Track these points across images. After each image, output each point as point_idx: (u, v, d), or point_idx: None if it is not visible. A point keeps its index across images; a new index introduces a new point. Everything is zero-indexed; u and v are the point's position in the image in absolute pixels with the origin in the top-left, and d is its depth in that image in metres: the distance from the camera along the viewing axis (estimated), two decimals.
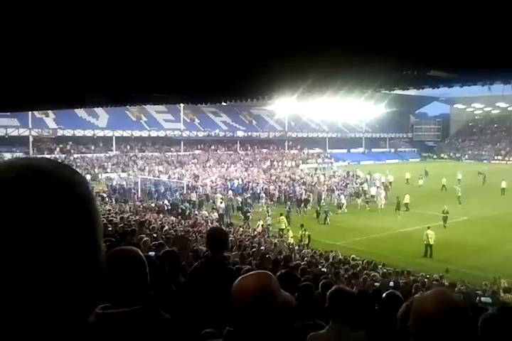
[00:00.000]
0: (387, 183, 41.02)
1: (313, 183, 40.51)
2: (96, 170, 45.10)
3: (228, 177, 42.35)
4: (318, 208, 29.83)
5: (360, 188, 37.79)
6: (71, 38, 5.24)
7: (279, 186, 38.02)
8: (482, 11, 3.95)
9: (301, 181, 41.48)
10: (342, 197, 33.05)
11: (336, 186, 38.15)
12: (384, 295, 3.88)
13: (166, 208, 28.71)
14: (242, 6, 4.06)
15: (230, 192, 35.23)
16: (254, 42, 5.26)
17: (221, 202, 29.86)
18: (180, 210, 28.20)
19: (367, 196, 34.93)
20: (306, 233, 22.80)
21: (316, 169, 53.62)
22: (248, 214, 27.92)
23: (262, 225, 25.08)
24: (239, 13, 4.23)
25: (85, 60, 6.09)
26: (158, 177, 41.24)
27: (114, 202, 29.64)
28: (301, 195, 34.15)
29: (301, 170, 53.83)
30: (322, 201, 33.65)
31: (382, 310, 3.83)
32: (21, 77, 7.53)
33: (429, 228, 21.71)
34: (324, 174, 47.28)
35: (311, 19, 4.27)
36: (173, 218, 23.19)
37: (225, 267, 3.74)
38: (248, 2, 3.92)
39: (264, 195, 34.37)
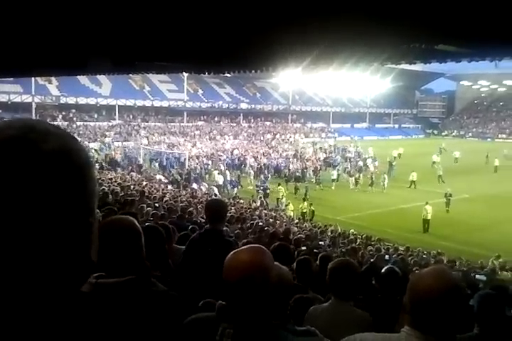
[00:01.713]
0: (392, 159, 40.23)
1: (305, 157, 40.51)
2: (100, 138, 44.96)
3: (223, 151, 42.20)
4: (298, 184, 29.51)
5: (361, 164, 37.66)
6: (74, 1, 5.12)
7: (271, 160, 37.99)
8: None
9: (298, 155, 41.42)
10: (334, 172, 32.80)
11: (321, 161, 38.32)
12: (383, 270, 3.87)
13: (168, 179, 28.75)
14: None
15: (222, 166, 34.73)
16: (260, 10, 5.13)
17: (218, 173, 30.24)
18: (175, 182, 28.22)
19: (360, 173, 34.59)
20: (311, 208, 22.81)
21: (313, 143, 53.42)
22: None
23: (261, 198, 25.24)
24: None
25: (88, 21, 5.96)
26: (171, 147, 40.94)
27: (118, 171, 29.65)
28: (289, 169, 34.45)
29: (303, 143, 53.71)
30: (308, 176, 33.51)
31: (381, 285, 3.83)
32: (22, 39, 7.40)
33: (427, 203, 21.95)
34: (320, 148, 47.26)
35: None
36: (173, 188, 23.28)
37: (223, 239, 3.73)
38: None
39: (251, 171, 33.92)
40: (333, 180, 31.49)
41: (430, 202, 22.48)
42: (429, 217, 21.49)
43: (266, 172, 32.39)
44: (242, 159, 38.08)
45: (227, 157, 38.81)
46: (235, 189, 27.79)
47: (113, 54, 7.59)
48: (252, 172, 32.65)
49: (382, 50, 6.57)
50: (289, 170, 34.32)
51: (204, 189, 27.00)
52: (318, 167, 35.90)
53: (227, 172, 31.69)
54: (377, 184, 30.22)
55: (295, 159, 39.17)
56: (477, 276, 6.65)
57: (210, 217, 3.81)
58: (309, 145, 51.59)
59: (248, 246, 1.92)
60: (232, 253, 1.86)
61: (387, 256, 8.37)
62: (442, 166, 35.67)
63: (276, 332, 1.74)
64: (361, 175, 33.10)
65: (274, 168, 36.20)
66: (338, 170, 34.74)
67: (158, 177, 28.46)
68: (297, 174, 32.66)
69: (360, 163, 37.62)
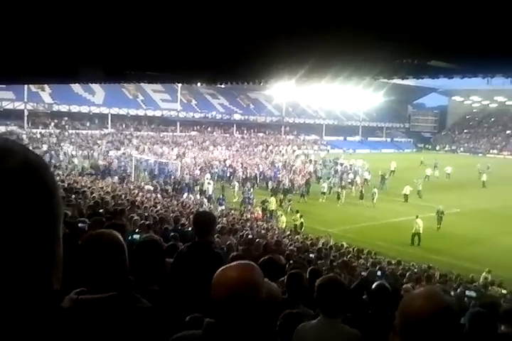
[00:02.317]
0: (385, 172, 40.14)
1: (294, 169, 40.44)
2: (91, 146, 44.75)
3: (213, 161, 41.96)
4: (282, 196, 29.44)
5: (351, 177, 37.67)
6: (66, 6, 5.09)
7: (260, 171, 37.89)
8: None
9: (288, 167, 41.36)
10: (324, 185, 32.66)
11: (310, 173, 38.32)
12: (373, 286, 3.83)
13: (158, 188, 28.63)
14: None
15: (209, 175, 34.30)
16: (254, 22, 5.12)
17: (209, 184, 30.30)
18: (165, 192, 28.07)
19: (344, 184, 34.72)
20: (301, 220, 22.78)
21: (305, 155, 53.60)
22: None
23: (263, 210, 25.15)
24: None
25: (80, 29, 5.92)
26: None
27: (109, 180, 29.50)
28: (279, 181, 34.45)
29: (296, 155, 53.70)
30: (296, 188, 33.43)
31: (371, 301, 3.78)
32: (13, 46, 7.35)
33: (417, 217, 22.03)
34: (310, 160, 47.24)
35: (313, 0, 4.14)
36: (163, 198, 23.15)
37: (212, 251, 3.67)
38: None
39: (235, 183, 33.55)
40: (322, 193, 31.38)
41: (421, 216, 22.54)
42: (420, 231, 21.54)
43: (248, 184, 32.10)
44: (231, 170, 37.95)
45: (216, 167, 38.73)
46: (223, 207, 26.68)
47: (105, 63, 7.56)
48: (237, 184, 32.21)
49: (374, 65, 6.59)
50: (279, 181, 34.19)
51: (193, 198, 26.88)
52: (305, 179, 35.52)
53: (211, 184, 31.29)
54: (367, 197, 30.06)
55: (284, 171, 39.05)
56: (467, 292, 6.60)
57: (198, 230, 3.75)
58: (301, 157, 51.64)
59: (237, 262, 1.87)
60: (220, 269, 1.82)
61: (379, 272, 8.30)
62: (433, 181, 35.88)
63: None
64: (352, 187, 33.25)
65: (262, 180, 36.26)
66: (331, 182, 34.67)
67: (147, 187, 28.27)
68: (285, 187, 32.48)
69: (351, 176, 37.60)
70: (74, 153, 40.65)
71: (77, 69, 8.16)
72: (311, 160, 47.94)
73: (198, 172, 35.69)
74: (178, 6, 4.76)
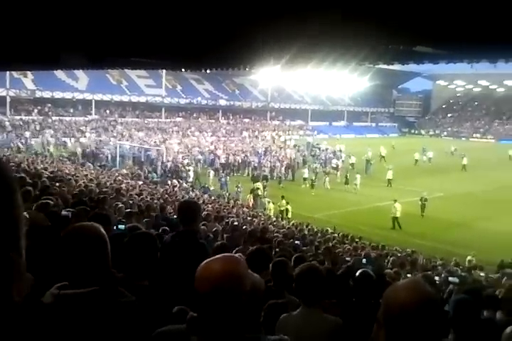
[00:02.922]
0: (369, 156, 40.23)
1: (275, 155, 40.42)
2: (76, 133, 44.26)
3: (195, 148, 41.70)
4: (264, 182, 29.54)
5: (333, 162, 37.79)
6: None
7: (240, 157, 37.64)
8: None
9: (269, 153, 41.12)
10: (305, 171, 32.66)
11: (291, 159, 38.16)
12: (357, 273, 3.85)
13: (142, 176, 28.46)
14: None
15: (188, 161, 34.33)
16: (239, 6, 5.04)
17: (188, 170, 30.58)
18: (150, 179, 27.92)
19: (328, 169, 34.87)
20: (288, 206, 22.76)
21: (285, 141, 53.99)
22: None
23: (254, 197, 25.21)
24: None
25: (62, 14, 5.79)
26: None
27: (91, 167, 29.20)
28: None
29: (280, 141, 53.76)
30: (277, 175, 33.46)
31: (355, 289, 3.80)
32: None
33: (396, 201, 22.27)
34: (294, 146, 47.28)
35: None
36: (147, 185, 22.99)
37: (197, 241, 3.64)
38: None
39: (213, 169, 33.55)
40: (304, 179, 31.43)
41: (405, 201, 22.75)
42: (398, 215, 21.83)
43: (224, 171, 32.31)
44: (213, 157, 37.65)
45: (200, 153, 38.56)
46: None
47: (87, 49, 7.42)
48: (212, 171, 31.92)
49: (359, 50, 6.55)
50: (259, 167, 34.21)
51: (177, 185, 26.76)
52: (285, 165, 35.61)
53: (191, 170, 31.28)
54: (351, 183, 30.25)
55: (267, 157, 38.91)
56: (450, 278, 6.67)
57: (183, 219, 3.72)
58: (287, 142, 51.76)
59: (221, 255, 1.84)
60: (204, 262, 1.79)
61: (364, 259, 8.37)
62: (417, 165, 36.32)
63: None
64: (337, 173, 33.48)
65: (242, 166, 36.02)
66: (315, 168, 34.71)
67: (124, 171, 28.21)
68: (264, 173, 32.28)
69: (334, 161, 37.65)
70: (52, 140, 40.13)
71: (59, 55, 8.01)
72: (295, 146, 47.99)
73: (180, 159, 35.44)
74: None
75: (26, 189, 5.45)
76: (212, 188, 28.23)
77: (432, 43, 5.58)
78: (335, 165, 35.75)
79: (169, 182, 26.75)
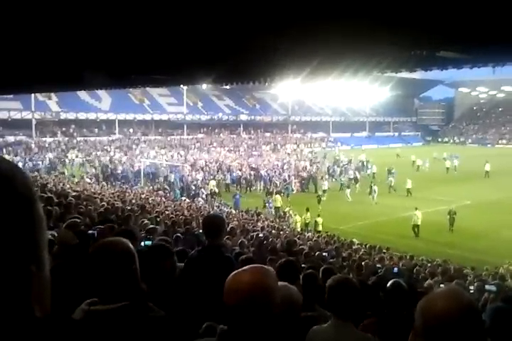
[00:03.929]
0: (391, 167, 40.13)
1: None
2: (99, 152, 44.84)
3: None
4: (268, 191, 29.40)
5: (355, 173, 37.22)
6: (69, 16, 5.05)
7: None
8: None
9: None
10: (325, 183, 32.33)
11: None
12: (388, 284, 3.75)
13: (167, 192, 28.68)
14: None
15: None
16: (258, 21, 5.05)
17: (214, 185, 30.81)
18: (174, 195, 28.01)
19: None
20: (318, 219, 22.44)
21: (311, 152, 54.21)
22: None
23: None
24: None
25: (82, 36, 5.90)
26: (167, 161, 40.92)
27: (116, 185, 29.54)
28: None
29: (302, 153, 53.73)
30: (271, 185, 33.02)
31: (387, 300, 3.70)
32: (18, 57, 7.34)
33: (416, 209, 22.07)
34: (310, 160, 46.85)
35: None
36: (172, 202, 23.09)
37: (222, 255, 3.61)
38: None
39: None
40: (324, 191, 31.08)
41: (431, 210, 22.33)
42: (418, 223, 21.64)
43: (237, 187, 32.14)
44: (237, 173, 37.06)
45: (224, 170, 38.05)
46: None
47: (108, 68, 7.53)
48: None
49: (382, 58, 6.50)
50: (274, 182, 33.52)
51: (202, 201, 26.83)
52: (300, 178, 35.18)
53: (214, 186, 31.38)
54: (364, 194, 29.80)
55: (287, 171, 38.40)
56: (487, 287, 6.48)
57: (208, 233, 3.70)
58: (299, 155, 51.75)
59: (249, 266, 1.81)
60: (232, 274, 1.76)
61: (395, 269, 8.19)
62: (434, 174, 36.03)
63: None
64: (356, 184, 32.90)
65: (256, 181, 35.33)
66: (341, 179, 34.47)
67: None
68: (277, 188, 31.54)
69: (351, 173, 37.05)
70: (78, 160, 40.72)
71: (82, 75, 8.16)
72: (311, 159, 47.78)
73: (201, 175, 35.32)
74: (181, 8, 4.70)
75: (48, 209, 5.50)
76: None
77: (455, 47, 5.51)
78: (352, 177, 35.09)
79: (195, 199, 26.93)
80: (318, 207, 26.00)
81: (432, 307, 1.61)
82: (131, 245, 2.06)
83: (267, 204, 26.55)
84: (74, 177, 31.52)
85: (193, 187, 31.08)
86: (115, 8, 4.73)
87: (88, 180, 30.23)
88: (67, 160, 40.07)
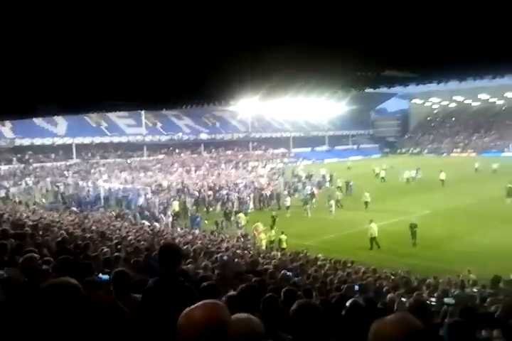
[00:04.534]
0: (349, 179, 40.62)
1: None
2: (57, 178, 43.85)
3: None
4: (226, 210, 29.41)
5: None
6: (18, 48, 4.99)
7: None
8: (435, 10, 3.91)
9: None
10: (288, 199, 32.49)
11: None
12: (347, 304, 3.78)
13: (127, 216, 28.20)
14: (202, 6, 3.90)
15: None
16: (212, 43, 5.10)
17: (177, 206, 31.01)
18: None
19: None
20: (282, 236, 22.27)
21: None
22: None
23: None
24: (198, 14, 4.07)
25: (34, 67, 5.82)
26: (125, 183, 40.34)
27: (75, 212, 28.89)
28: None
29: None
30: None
31: (346, 320, 3.73)
32: None
33: (371, 222, 22.42)
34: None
35: (273, 18, 4.14)
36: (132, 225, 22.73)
37: (181, 285, 3.57)
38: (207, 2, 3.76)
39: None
40: (287, 207, 31.30)
41: (392, 221, 23.04)
42: (375, 235, 21.95)
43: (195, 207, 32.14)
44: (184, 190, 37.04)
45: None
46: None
47: (61, 98, 7.44)
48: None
49: (333, 80, 6.66)
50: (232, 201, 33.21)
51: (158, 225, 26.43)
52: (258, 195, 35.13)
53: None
54: (324, 209, 29.90)
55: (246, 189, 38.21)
56: (445, 300, 6.60)
57: (164, 263, 3.65)
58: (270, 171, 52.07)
59: (202, 302, 1.81)
60: (185, 311, 1.77)
61: (356, 286, 8.28)
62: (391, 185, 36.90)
63: None
64: (313, 199, 32.90)
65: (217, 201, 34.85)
66: (302, 194, 34.55)
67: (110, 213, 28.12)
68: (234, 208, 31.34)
69: (308, 188, 37.17)
70: (35, 187, 39.77)
71: (35, 105, 8.02)
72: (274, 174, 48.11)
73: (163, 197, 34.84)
74: (133, 33, 4.70)
75: (2, 242, 5.37)
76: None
77: (398, 67, 5.69)
78: (310, 192, 34.83)
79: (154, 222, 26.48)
80: (273, 226, 25.16)
81: (379, 333, 1.64)
82: (79, 286, 2.04)
83: (236, 224, 26.47)
84: (34, 204, 30.75)
85: (154, 210, 30.73)
86: (63, 36, 4.70)
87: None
88: (22, 187, 39.04)
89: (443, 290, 9.39)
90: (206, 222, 27.55)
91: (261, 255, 15.94)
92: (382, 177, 43.96)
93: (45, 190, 38.54)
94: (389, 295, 7.40)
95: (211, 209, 33.24)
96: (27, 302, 2.76)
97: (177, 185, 39.59)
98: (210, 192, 36.06)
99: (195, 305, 1.78)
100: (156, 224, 25.82)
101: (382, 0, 3.70)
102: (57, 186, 39.30)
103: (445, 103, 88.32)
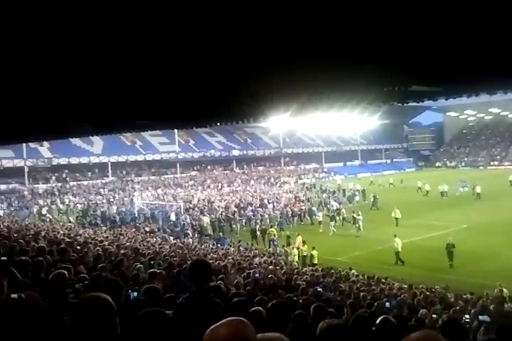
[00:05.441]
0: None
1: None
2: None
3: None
4: (257, 227, 29.14)
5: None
6: (50, 71, 5.20)
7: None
8: (460, 26, 3.93)
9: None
10: (320, 214, 32.22)
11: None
12: (378, 321, 3.76)
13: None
14: (233, 28, 4.00)
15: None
16: (242, 63, 5.21)
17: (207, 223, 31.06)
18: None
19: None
20: (314, 252, 22.21)
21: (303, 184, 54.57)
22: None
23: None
24: (228, 35, 4.18)
25: (67, 90, 6.04)
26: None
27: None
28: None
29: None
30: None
31: (377, 338, 3.70)
32: (7, 110, 7.48)
33: (395, 236, 22.28)
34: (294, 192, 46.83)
35: (303, 35, 4.22)
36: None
37: (211, 300, 3.62)
38: (235, 19, 3.85)
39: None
40: (319, 222, 31.06)
41: (428, 236, 22.27)
42: (399, 249, 21.75)
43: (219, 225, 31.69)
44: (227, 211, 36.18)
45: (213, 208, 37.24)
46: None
47: (93, 118, 7.67)
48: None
49: (362, 96, 6.69)
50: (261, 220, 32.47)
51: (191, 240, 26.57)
52: (291, 212, 34.43)
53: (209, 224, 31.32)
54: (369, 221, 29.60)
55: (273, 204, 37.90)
56: (480, 317, 6.41)
57: (195, 279, 3.72)
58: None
59: (227, 319, 1.84)
60: (210, 328, 1.79)
61: (387, 303, 8.12)
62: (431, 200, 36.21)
63: None
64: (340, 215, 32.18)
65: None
66: (331, 210, 34.13)
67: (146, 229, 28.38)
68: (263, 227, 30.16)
69: (335, 204, 36.15)
70: (72, 205, 40.55)
71: (69, 126, 8.29)
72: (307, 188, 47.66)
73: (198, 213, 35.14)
74: (168, 56, 4.84)
75: (39, 259, 5.52)
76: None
77: (426, 82, 5.69)
78: (335, 208, 34.27)
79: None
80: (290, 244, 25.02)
81: None
82: (110, 300, 2.10)
83: (270, 242, 26.28)
84: (70, 222, 31.37)
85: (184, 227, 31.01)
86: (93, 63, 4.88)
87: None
88: (61, 206, 39.94)
89: (483, 305, 9.15)
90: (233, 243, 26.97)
91: (294, 270, 15.84)
92: (427, 191, 42.72)
93: (80, 208, 39.23)
94: (421, 310, 7.24)
95: (234, 226, 32.86)
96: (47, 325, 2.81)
97: (203, 202, 39.66)
98: (235, 209, 35.73)
99: (221, 322, 1.80)
100: (189, 240, 26.04)
101: (406, 18, 3.74)
102: (94, 203, 40.05)
103: (481, 115, 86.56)
